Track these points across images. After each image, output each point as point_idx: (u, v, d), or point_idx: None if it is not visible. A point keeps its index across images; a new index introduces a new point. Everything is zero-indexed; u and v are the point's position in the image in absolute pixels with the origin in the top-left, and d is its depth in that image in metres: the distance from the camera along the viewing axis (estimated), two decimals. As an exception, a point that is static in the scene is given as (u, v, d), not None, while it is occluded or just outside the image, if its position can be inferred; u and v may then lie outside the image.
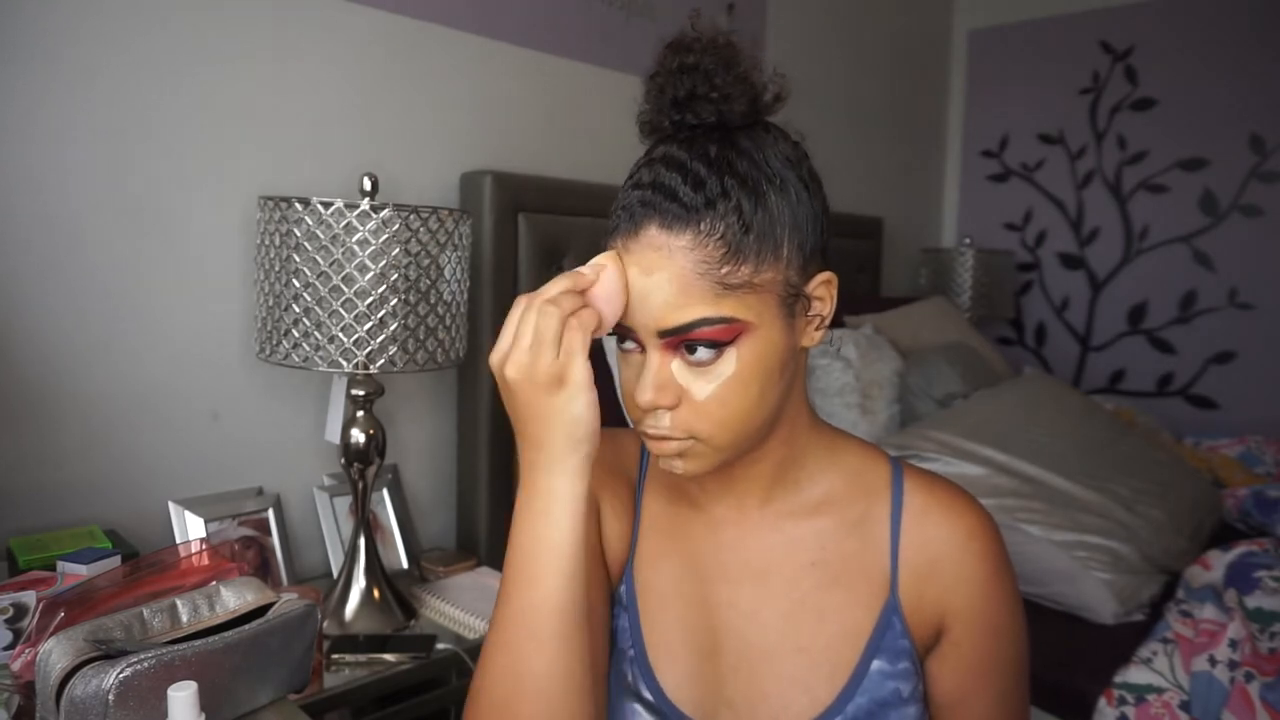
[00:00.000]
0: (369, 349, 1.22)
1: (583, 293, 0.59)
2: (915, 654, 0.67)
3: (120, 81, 1.28)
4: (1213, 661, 1.28)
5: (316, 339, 1.21)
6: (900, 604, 0.67)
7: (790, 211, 0.60)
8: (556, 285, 0.58)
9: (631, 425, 0.67)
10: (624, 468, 0.77)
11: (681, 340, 0.59)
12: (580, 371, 0.57)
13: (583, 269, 0.60)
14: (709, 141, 0.60)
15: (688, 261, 0.58)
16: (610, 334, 0.62)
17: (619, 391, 1.61)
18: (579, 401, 0.58)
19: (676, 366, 0.60)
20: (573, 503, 0.60)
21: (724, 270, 0.58)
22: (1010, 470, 1.67)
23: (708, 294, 0.58)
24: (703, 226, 0.57)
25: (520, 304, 0.58)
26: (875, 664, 0.66)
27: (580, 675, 0.60)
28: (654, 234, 0.58)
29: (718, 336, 0.58)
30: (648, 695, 0.68)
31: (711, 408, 0.60)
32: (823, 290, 0.64)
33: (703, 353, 0.59)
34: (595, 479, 0.74)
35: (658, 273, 0.58)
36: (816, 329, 0.64)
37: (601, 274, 0.59)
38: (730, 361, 0.59)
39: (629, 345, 0.62)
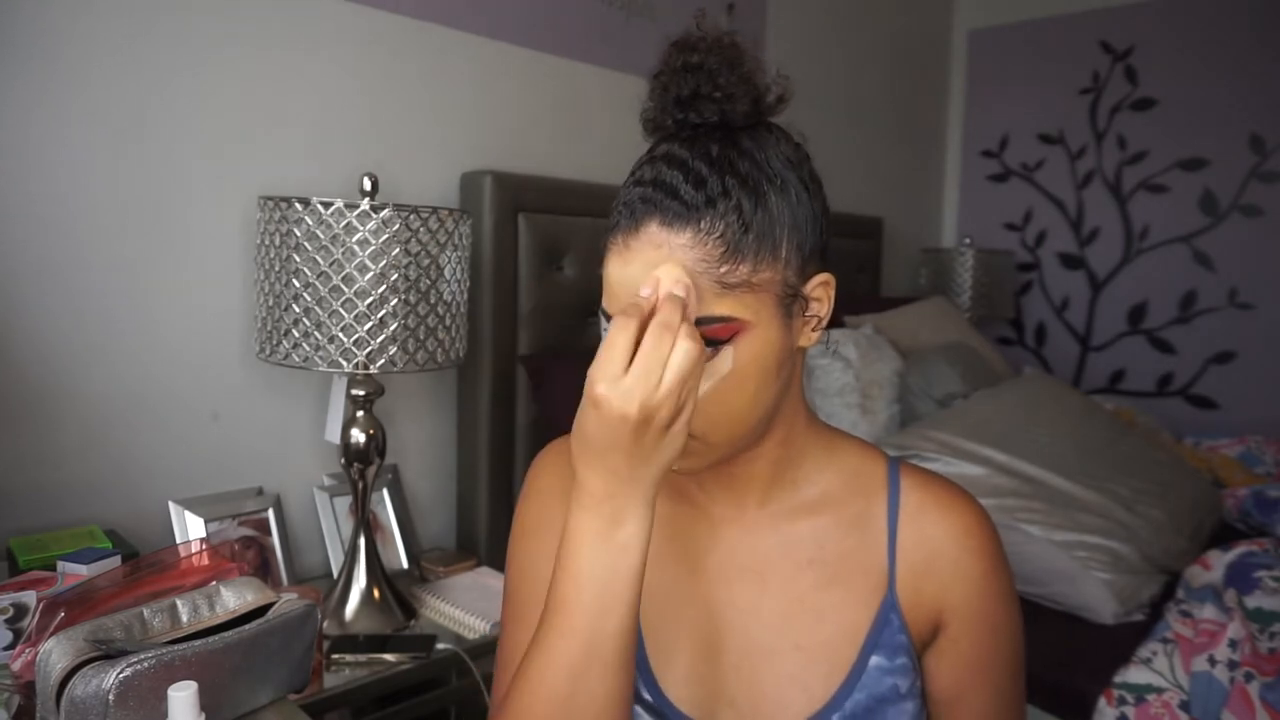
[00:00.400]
0: (369, 349, 1.22)
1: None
2: (913, 650, 0.68)
3: (120, 81, 1.28)
4: (1212, 661, 1.28)
5: (316, 339, 1.21)
6: (898, 600, 0.68)
7: (790, 212, 0.61)
8: (677, 311, 0.55)
9: None
10: None
11: None
12: (691, 410, 0.56)
13: (677, 291, 0.56)
14: (711, 141, 0.61)
15: (687, 259, 0.58)
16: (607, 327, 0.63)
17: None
18: (683, 438, 0.57)
19: None
20: (649, 534, 0.59)
21: (723, 269, 0.58)
22: (1010, 470, 1.67)
23: (706, 293, 0.58)
24: (703, 225, 0.58)
25: (630, 327, 0.55)
26: (874, 660, 0.66)
27: (630, 694, 0.61)
28: (654, 231, 0.58)
29: (715, 335, 0.58)
30: (647, 696, 0.68)
31: (707, 406, 0.60)
32: (820, 292, 0.64)
33: None
34: None
35: (656, 269, 0.58)
36: (814, 330, 0.65)
37: (690, 294, 0.57)
38: (727, 360, 0.59)
39: None
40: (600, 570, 0.58)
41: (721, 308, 0.58)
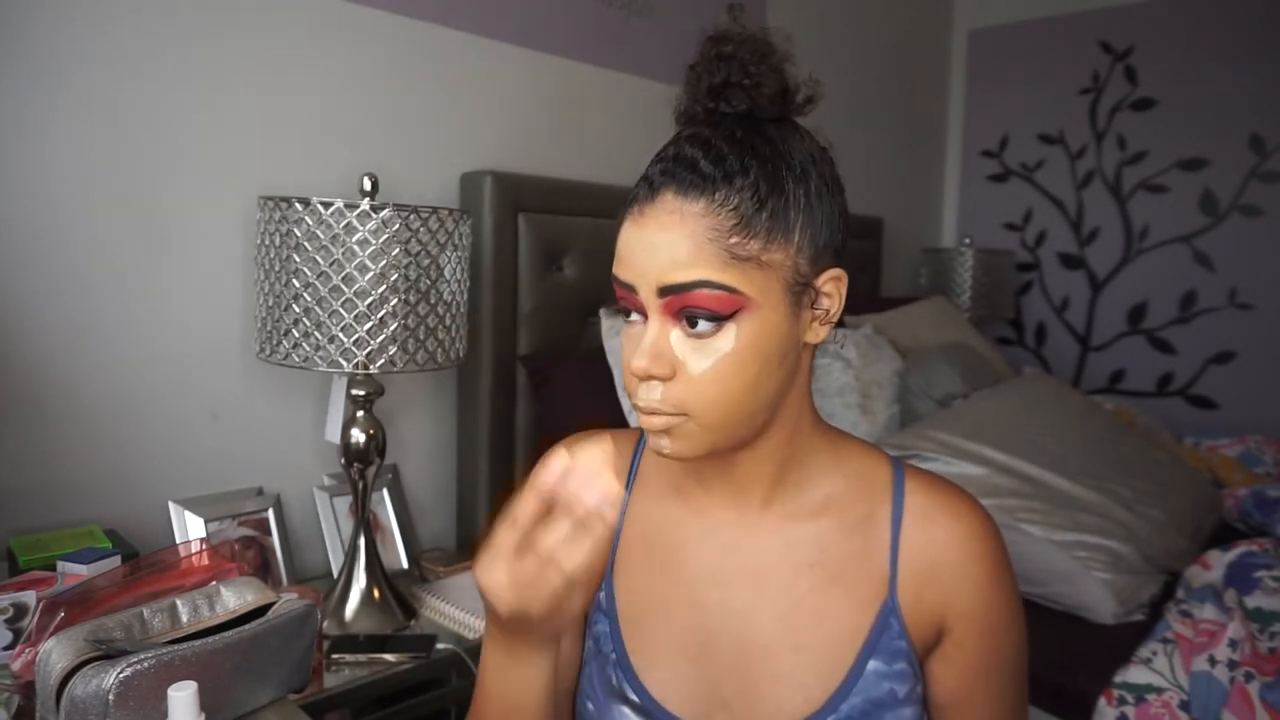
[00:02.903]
0: (369, 349, 1.22)
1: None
2: (913, 655, 0.67)
3: (120, 82, 1.28)
4: (1212, 661, 1.28)
5: (316, 339, 1.21)
6: (899, 605, 0.67)
7: (806, 201, 0.61)
8: (557, 533, 0.55)
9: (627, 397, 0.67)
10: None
11: (683, 304, 0.59)
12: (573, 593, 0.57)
13: (594, 518, 0.55)
14: (737, 126, 0.62)
15: (699, 226, 0.59)
16: (614, 310, 0.64)
17: (619, 392, 1.62)
18: (571, 614, 0.58)
19: (675, 337, 0.61)
20: (546, 675, 0.63)
21: (733, 240, 0.58)
22: (1010, 470, 1.67)
23: (714, 259, 0.58)
24: (717, 196, 0.59)
25: (530, 503, 0.56)
26: (871, 664, 0.66)
27: None
28: (669, 199, 0.60)
29: (718, 306, 0.59)
30: (634, 697, 0.68)
31: (705, 384, 0.60)
32: (831, 286, 0.64)
33: (703, 325, 0.59)
34: None
35: (668, 232, 0.59)
36: (822, 325, 0.64)
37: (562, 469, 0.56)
38: (729, 337, 0.59)
39: (634, 318, 0.63)
40: (500, 696, 0.64)
41: (728, 277, 0.58)
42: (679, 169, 0.60)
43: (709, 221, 0.58)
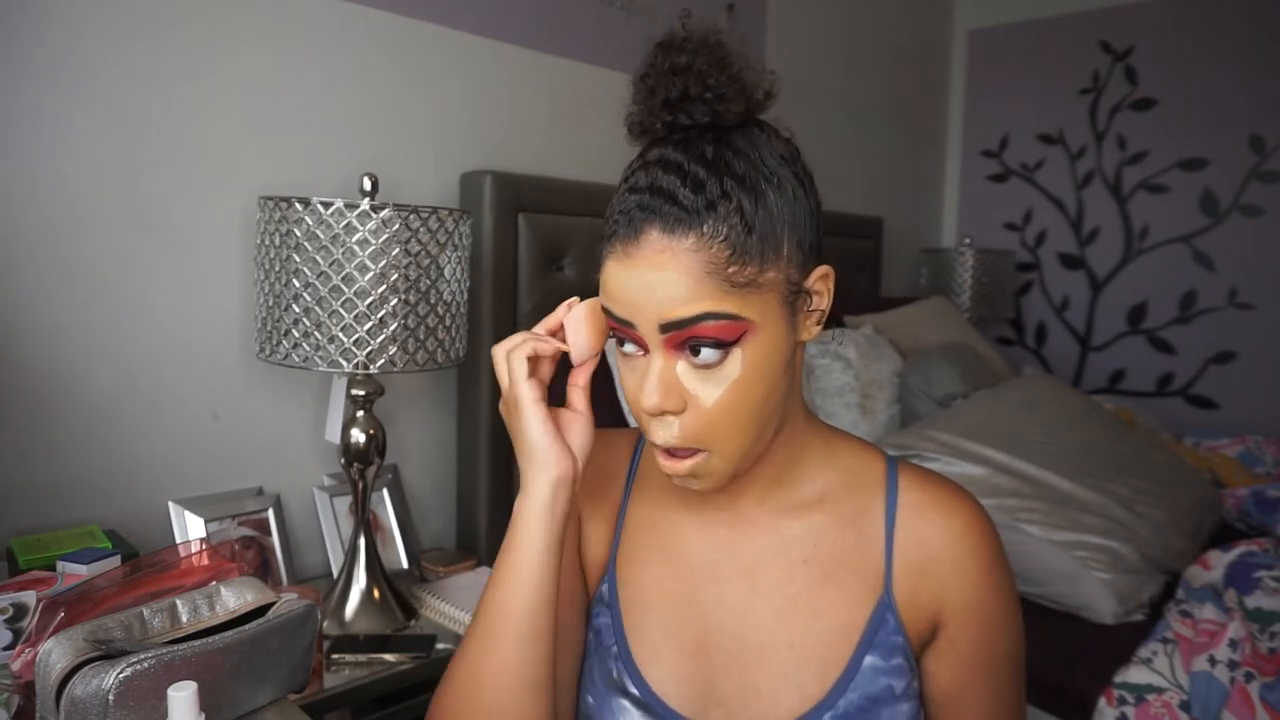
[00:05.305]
0: (369, 349, 1.22)
1: (551, 332, 0.68)
2: (910, 651, 0.67)
3: (121, 82, 1.28)
4: (1212, 661, 1.29)
5: (316, 339, 1.21)
6: (894, 600, 0.67)
7: (789, 209, 0.60)
8: (519, 335, 0.68)
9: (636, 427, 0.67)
10: (612, 469, 0.77)
11: (686, 337, 0.58)
12: (524, 393, 0.66)
13: (549, 346, 0.68)
14: (704, 142, 0.60)
15: (693, 261, 0.57)
16: (611, 336, 0.63)
17: (619, 393, 1.62)
18: (527, 421, 0.66)
19: (681, 369, 0.60)
20: (539, 518, 0.66)
21: (730, 270, 0.57)
22: (1010, 470, 1.67)
23: (715, 290, 0.57)
24: (705, 229, 0.57)
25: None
26: (868, 660, 0.66)
27: (536, 675, 0.65)
28: (655, 238, 0.58)
29: (724, 334, 0.58)
30: (634, 691, 0.68)
31: (718, 414, 0.59)
32: (821, 285, 0.64)
33: (707, 353, 0.58)
34: (580, 483, 0.75)
35: (661, 271, 0.57)
36: (816, 324, 0.64)
37: (571, 309, 0.67)
38: (736, 363, 0.59)
39: (630, 349, 0.62)
40: (503, 547, 0.68)
41: (730, 306, 0.58)
42: (659, 202, 0.58)
43: (702, 256, 0.57)
